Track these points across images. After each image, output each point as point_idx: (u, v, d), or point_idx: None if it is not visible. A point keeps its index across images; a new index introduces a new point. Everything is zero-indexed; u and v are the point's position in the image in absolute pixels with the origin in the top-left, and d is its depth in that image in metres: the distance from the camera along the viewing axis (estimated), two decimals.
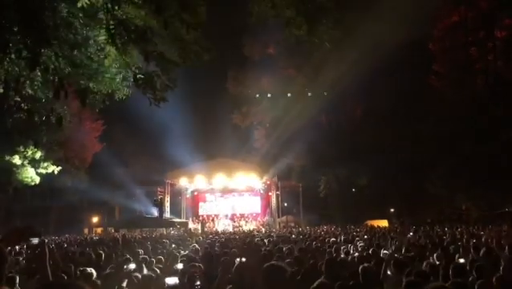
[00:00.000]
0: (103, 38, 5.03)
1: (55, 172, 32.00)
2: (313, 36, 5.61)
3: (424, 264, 7.02)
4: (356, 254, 8.90)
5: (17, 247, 9.22)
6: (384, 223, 32.61)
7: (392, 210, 39.21)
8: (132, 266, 5.64)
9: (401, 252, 9.48)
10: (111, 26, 4.92)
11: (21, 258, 9.14)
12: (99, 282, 5.49)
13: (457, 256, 8.23)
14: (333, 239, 14.27)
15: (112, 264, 7.48)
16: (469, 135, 28.61)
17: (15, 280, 5.58)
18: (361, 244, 11.46)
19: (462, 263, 6.76)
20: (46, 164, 31.28)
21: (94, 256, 9.62)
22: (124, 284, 5.44)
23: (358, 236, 17.03)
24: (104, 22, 5.01)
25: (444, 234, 18.11)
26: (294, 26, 5.58)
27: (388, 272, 6.24)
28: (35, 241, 2.48)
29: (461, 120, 28.95)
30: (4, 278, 2.10)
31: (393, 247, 10.96)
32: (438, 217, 33.13)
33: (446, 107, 30.63)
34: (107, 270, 6.62)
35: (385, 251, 9.24)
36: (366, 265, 5.38)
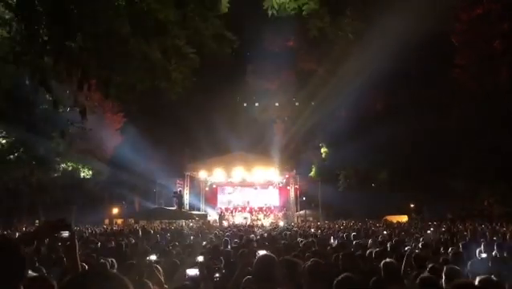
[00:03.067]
0: (124, 30, 5.06)
1: (78, 166, 32.73)
2: (336, 28, 5.55)
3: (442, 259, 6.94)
4: (376, 249, 8.83)
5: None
6: (403, 219, 32.32)
7: (412, 206, 38.78)
8: (153, 257, 5.70)
9: (422, 248, 9.37)
10: (132, 17, 4.95)
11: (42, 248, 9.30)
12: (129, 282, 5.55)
13: (478, 252, 8.10)
14: (354, 234, 14.19)
15: (133, 255, 7.58)
16: (493, 129, 28.05)
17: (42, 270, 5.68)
18: (381, 239, 11.38)
19: (483, 258, 6.66)
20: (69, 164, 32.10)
21: (115, 247, 9.76)
22: (145, 275, 5.50)
23: (377, 231, 16.94)
24: (127, 14, 5.04)
25: (466, 229, 17.85)
26: (317, 17, 5.52)
27: (409, 268, 6.18)
28: (66, 234, 2.53)
29: (485, 114, 28.40)
30: (24, 279, 2.11)
31: (414, 243, 10.86)
32: (459, 213, 32.63)
33: (469, 100, 30.08)
34: (129, 261, 6.71)
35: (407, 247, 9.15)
36: (388, 260, 5.33)
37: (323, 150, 42.82)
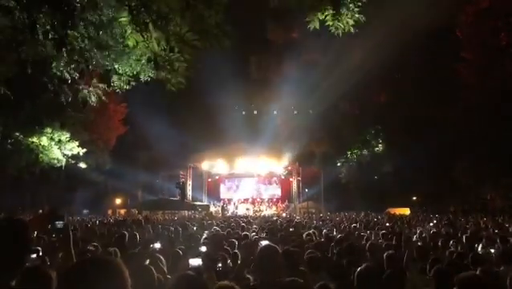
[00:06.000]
0: (125, 19, 5.00)
1: (80, 153, 32.68)
2: (337, 21, 5.46)
3: (447, 253, 6.93)
4: (378, 241, 8.83)
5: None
6: (405, 211, 32.30)
7: (415, 198, 38.75)
8: (157, 245, 5.71)
9: (424, 240, 9.37)
10: (133, 6, 4.90)
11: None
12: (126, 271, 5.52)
13: (480, 246, 8.10)
14: (354, 225, 14.22)
15: (136, 244, 7.60)
16: (496, 123, 27.93)
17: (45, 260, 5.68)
18: (383, 231, 11.37)
19: (488, 252, 6.65)
20: (71, 146, 31.94)
21: (118, 236, 9.78)
22: (147, 263, 5.50)
23: (379, 223, 16.94)
24: (126, 2, 4.99)
25: (467, 222, 17.84)
26: (319, 9, 5.43)
27: (411, 260, 6.17)
28: (60, 224, 2.56)
29: (489, 108, 28.26)
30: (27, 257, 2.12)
31: (416, 235, 10.86)
32: (462, 207, 32.61)
33: (474, 94, 29.92)
34: (131, 251, 6.73)
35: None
36: (390, 252, 5.33)
37: (326, 142, 42.68)
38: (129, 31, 4.95)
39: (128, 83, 6.10)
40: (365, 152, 38.91)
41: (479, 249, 7.80)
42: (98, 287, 1.46)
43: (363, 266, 3.73)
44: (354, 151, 39.15)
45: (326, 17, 5.41)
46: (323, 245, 7.61)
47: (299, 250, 6.02)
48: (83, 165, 34.78)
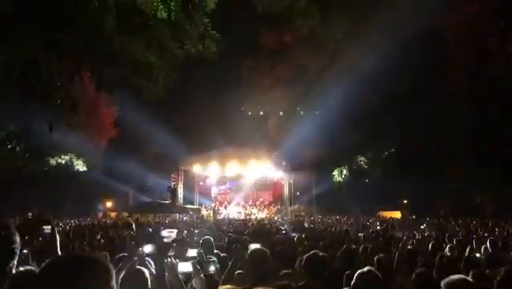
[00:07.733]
0: (112, 23, 4.98)
1: (72, 159, 32.57)
2: (326, 28, 5.47)
3: (438, 256, 6.95)
4: (369, 244, 8.84)
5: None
6: (396, 214, 32.45)
7: (405, 202, 38.91)
8: (148, 248, 5.66)
9: (414, 243, 9.41)
10: (119, 11, 4.89)
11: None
12: (110, 265, 5.47)
13: (468, 249, 8.14)
14: (345, 229, 14.24)
15: (126, 248, 7.52)
16: (486, 127, 28.18)
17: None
18: (374, 234, 11.41)
19: (477, 257, 6.68)
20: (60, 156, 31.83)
21: (107, 240, 9.72)
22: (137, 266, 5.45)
23: (370, 226, 17.00)
24: (114, 6, 4.97)
25: (458, 225, 17.94)
26: (307, 15, 5.43)
27: (401, 263, 6.19)
28: (48, 229, 2.55)
29: (479, 112, 28.51)
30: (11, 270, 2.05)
31: (406, 238, 10.90)
32: (452, 210, 32.77)
33: (464, 98, 30.18)
34: (121, 254, 6.66)
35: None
36: (381, 255, 5.34)
37: (317, 145, 42.77)
38: (116, 36, 4.92)
39: (119, 87, 6.08)
40: (358, 157, 39.06)
41: (467, 252, 7.82)
42: (78, 282, 1.42)
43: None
44: (346, 155, 39.31)
45: (315, 24, 5.41)
46: (314, 248, 7.59)
47: (291, 252, 6.03)
48: (73, 168, 34.57)
